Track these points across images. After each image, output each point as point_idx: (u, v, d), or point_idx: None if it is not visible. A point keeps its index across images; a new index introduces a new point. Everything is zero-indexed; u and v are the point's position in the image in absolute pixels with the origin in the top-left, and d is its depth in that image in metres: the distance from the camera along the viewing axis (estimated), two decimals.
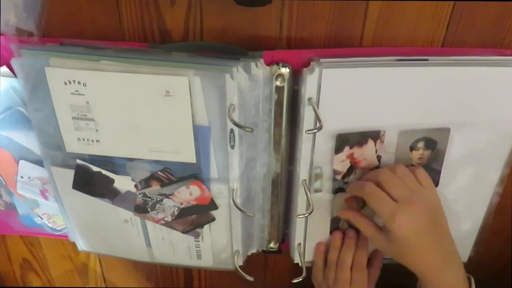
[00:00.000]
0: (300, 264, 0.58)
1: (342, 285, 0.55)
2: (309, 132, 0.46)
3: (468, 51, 0.46)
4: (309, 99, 0.45)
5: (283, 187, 0.54)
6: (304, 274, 0.56)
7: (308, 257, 0.59)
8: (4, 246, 0.70)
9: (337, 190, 0.53)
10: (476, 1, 0.44)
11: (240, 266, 0.57)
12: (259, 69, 0.45)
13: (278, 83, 0.46)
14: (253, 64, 0.45)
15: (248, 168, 0.51)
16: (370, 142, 0.49)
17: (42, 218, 0.62)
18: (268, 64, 0.46)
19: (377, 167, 0.51)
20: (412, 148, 0.50)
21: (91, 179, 0.53)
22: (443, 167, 0.51)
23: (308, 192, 0.51)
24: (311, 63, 0.45)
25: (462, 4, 0.44)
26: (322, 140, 0.48)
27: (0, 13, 0.44)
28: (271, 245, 0.60)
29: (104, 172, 0.52)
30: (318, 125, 0.45)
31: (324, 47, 0.46)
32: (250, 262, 0.60)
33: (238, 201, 0.51)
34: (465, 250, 0.59)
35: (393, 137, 0.49)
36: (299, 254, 0.57)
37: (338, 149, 0.49)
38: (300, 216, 0.53)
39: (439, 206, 0.48)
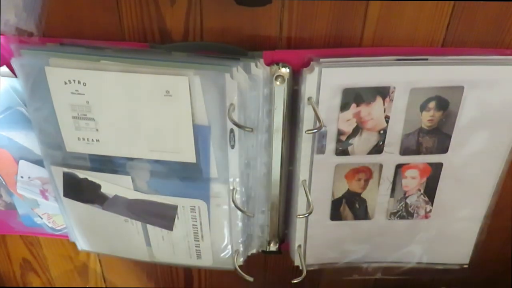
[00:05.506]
0: (300, 267, 0.58)
1: None
2: (309, 132, 0.46)
3: (468, 51, 0.46)
4: (309, 98, 0.45)
5: (283, 187, 0.54)
6: (304, 274, 0.56)
7: (309, 259, 0.58)
8: (4, 246, 0.70)
9: (341, 152, 0.50)
10: (476, 1, 0.44)
11: (240, 266, 0.57)
12: (259, 69, 0.45)
13: (278, 83, 0.46)
14: (253, 64, 0.45)
15: (248, 168, 0.51)
16: (379, 100, 0.46)
17: (42, 218, 0.62)
18: (268, 64, 0.46)
19: (385, 130, 0.48)
20: (422, 109, 0.47)
21: (79, 186, 0.53)
22: (453, 132, 0.49)
23: (308, 192, 0.51)
24: (311, 62, 0.45)
25: (462, 4, 0.44)
26: (327, 95, 0.45)
27: (0, 13, 0.44)
28: (271, 245, 0.60)
29: (90, 178, 0.52)
30: (318, 125, 0.45)
31: (324, 47, 0.46)
32: (250, 262, 0.60)
33: (238, 201, 0.51)
34: (465, 251, 0.59)
35: (403, 95, 0.46)
36: (300, 256, 0.57)
37: (344, 106, 0.47)
38: (300, 216, 0.53)
39: None
